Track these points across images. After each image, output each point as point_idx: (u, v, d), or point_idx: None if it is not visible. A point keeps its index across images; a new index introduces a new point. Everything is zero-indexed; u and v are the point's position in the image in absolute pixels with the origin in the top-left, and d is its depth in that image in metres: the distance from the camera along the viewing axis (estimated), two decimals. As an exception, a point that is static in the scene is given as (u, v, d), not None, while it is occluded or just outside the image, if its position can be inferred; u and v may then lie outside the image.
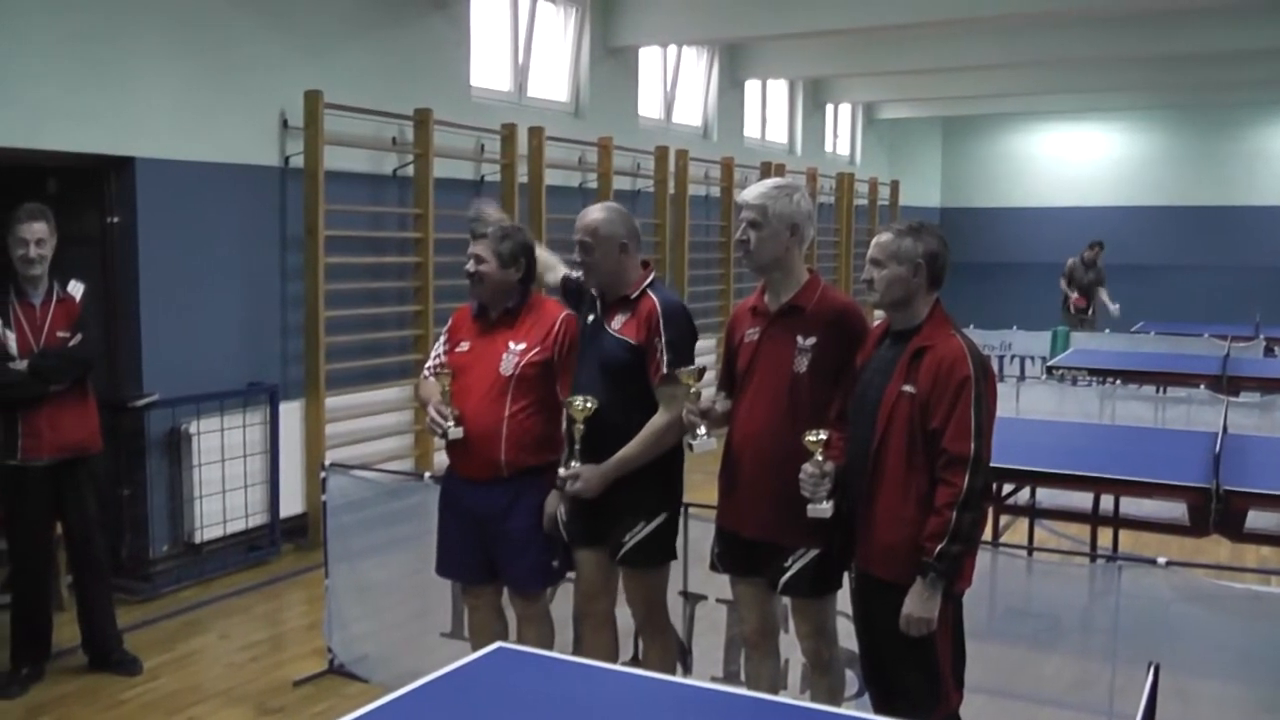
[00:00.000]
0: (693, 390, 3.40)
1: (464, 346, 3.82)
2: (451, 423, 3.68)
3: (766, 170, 11.86)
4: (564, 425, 3.71)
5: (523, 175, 8.39)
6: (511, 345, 3.73)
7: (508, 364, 3.70)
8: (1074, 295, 13.20)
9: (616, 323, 3.64)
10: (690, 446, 3.42)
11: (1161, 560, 3.58)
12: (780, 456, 3.27)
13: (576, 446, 3.54)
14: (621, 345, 3.59)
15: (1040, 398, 8.04)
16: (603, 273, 3.63)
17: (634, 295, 3.64)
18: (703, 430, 3.38)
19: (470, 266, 3.74)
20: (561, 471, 3.60)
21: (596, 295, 3.74)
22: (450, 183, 7.86)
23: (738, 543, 3.46)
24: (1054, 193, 17.49)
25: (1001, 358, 12.42)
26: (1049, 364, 9.59)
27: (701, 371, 3.44)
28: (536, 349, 3.73)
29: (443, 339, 3.95)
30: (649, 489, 3.62)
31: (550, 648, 3.77)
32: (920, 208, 16.98)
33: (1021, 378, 10.29)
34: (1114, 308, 13.19)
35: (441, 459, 3.87)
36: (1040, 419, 7.08)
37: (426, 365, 3.96)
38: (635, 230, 3.70)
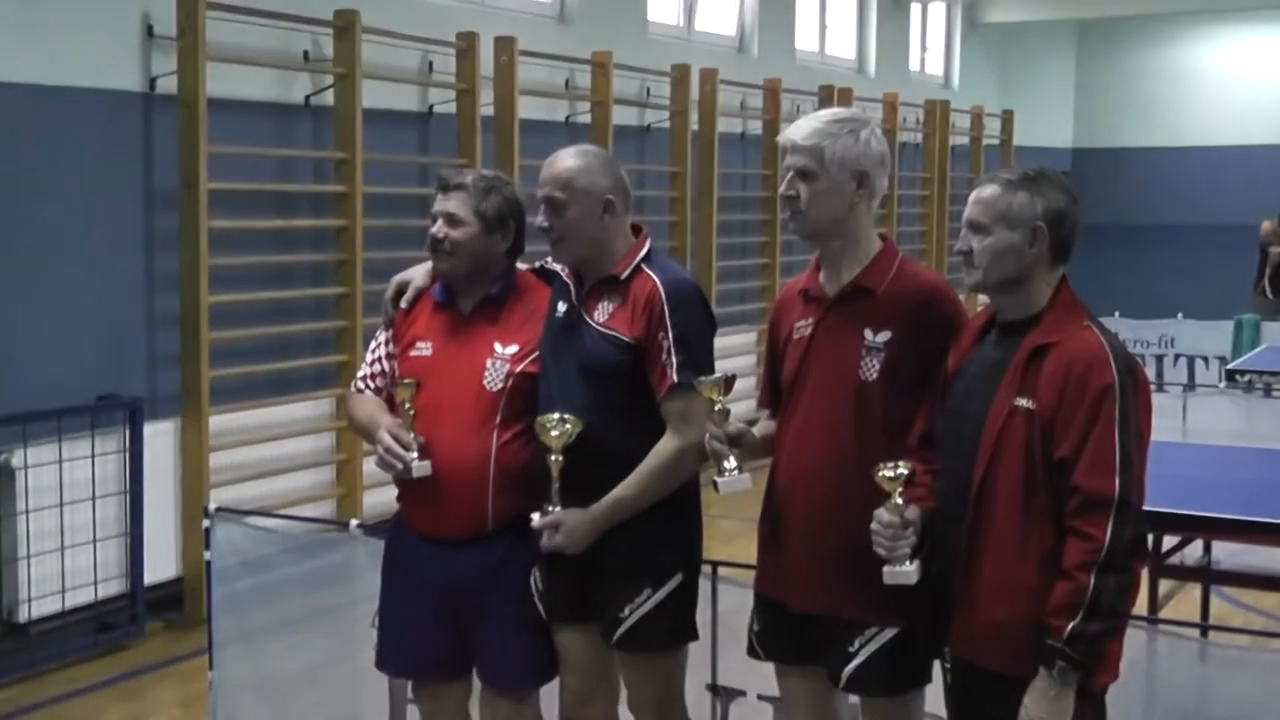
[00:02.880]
0: (718, 407, 3.35)
1: (424, 347, 3.80)
2: (414, 455, 3.64)
3: (826, 98, 11.82)
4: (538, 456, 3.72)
5: (487, 105, 8.37)
6: (498, 347, 3.72)
7: (494, 374, 3.69)
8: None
9: (601, 313, 3.60)
10: (716, 485, 3.35)
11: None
12: (843, 498, 3.26)
13: (555, 484, 3.51)
14: (610, 343, 3.56)
15: (1217, 414, 8.04)
16: (579, 243, 3.59)
17: (624, 274, 3.60)
18: (732, 463, 3.32)
19: (438, 231, 3.72)
20: (536, 519, 3.56)
21: (570, 276, 3.72)
22: (387, 115, 7.85)
23: (785, 618, 3.42)
24: (1237, 126, 17.37)
25: (1160, 358, 12.36)
26: (1230, 367, 9.62)
27: (729, 381, 3.39)
28: (534, 351, 3.73)
29: (384, 334, 3.94)
30: (657, 542, 3.59)
31: None
32: (1043, 149, 16.89)
33: (1190, 386, 10.22)
34: None
35: (376, 500, 3.89)
36: (1217, 444, 7.07)
37: (360, 373, 3.95)
38: (623, 183, 3.68)
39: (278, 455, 7.26)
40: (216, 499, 6.25)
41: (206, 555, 4.80)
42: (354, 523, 4.83)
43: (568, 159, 3.64)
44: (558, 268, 3.78)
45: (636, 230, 3.74)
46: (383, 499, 7.13)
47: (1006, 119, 15.95)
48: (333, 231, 7.52)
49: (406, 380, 3.72)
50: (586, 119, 9.29)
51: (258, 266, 7.19)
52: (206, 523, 4.84)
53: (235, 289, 7.01)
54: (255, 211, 7.17)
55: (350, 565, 4.53)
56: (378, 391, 3.90)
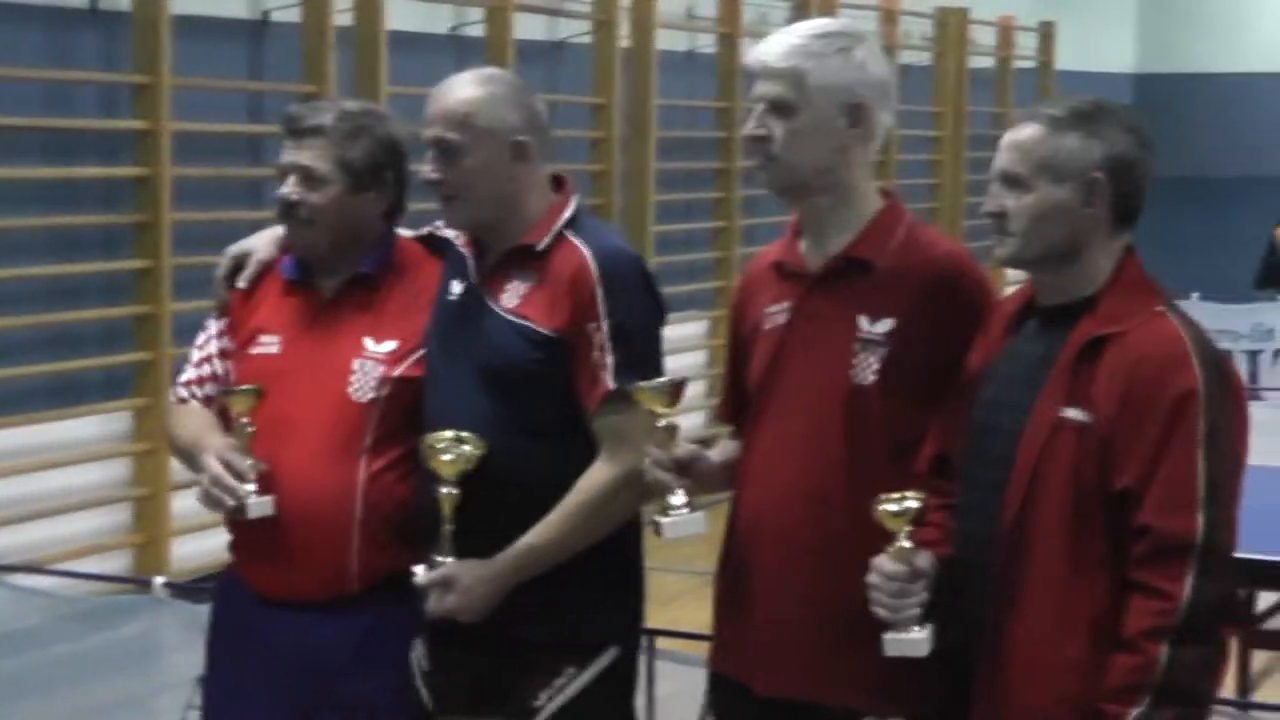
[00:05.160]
0: (662, 422, 3.30)
1: (270, 343, 3.78)
2: (252, 487, 3.59)
3: (803, 5, 11.96)
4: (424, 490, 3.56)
5: (343, 11, 8.34)
6: (370, 344, 3.72)
7: (364, 380, 3.70)
8: None
9: (511, 296, 3.56)
10: (659, 527, 3.28)
11: None
12: (828, 542, 3.25)
13: (447, 527, 3.45)
14: (523, 337, 3.52)
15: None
16: (480, 200, 3.55)
17: (542, 243, 3.55)
18: (680, 497, 3.28)
19: (289, 192, 3.69)
20: (420, 574, 3.48)
21: (468, 246, 3.67)
22: (205, 24, 7.80)
23: (749, 706, 3.39)
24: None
25: (1255, 355, 12.73)
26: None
27: (678, 387, 3.35)
28: (419, 348, 3.70)
29: (216, 324, 3.89)
30: (583, 605, 3.56)
31: None
32: (1095, 74, 17.15)
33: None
34: None
35: (192, 550, 3.90)
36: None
37: (183, 377, 3.89)
38: (540, 119, 3.63)
39: (52, 489, 7.15)
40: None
41: (-51, 629, 4.78)
42: (159, 580, 4.84)
43: (464, 88, 3.60)
44: (451, 234, 3.73)
45: (558, 184, 3.68)
46: (202, 548, 7.03)
47: (1045, 34, 15.95)
48: (129, 184, 7.44)
49: (245, 387, 3.66)
50: (478, 31, 9.29)
51: (24, 232, 7.04)
52: (-50, 583, 4.84)
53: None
54: (19, 156, 7.03)
55: (154, 639, 4.52)
56: (208, 401, 3.84)
